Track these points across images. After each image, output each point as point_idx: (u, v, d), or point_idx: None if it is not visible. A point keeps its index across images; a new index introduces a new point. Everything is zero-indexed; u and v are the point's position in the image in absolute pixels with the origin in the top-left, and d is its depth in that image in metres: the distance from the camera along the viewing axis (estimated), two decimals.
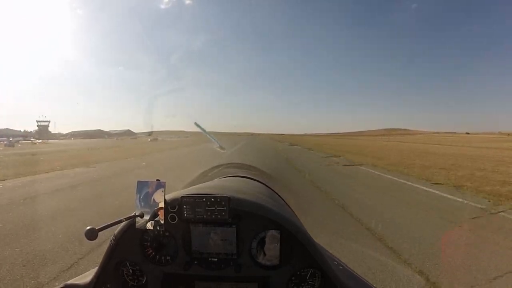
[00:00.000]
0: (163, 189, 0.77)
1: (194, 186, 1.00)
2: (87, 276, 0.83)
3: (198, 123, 1.61)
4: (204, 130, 1.66)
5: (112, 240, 0.80)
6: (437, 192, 6.64)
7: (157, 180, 0.78)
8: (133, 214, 0.77)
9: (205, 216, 0.78)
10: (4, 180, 8.57)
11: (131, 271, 0.83)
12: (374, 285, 0.85)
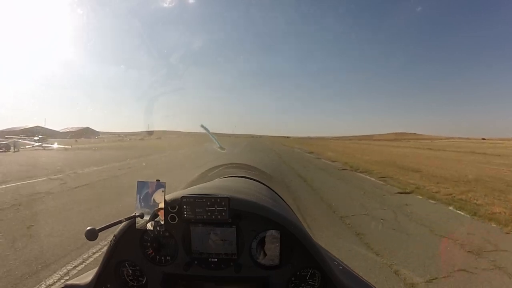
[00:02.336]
0: (163, 189, 0.78)
1: (194, 186, 1.01)
2: (87, 276, 0.84)
3: (202, 125, 1.69)
4: (208, 132, 1.72)
5: (112, 241, 0.80)
6: None
7: (157, 180, 0.79)
8: (133, 214, 0.77)
9: (205, 217, 0.78)
10: None
11: (131, 271, 0.83)
12: (375, 285, 0.85)
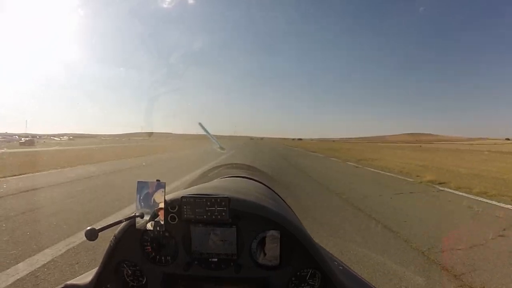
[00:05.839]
0: (163, 190, 0.78)
1: (194, 187, 1.01)
2: (88, 277, 0.84)
3: (200, 123, 1.67)
4: (207, 132, 1.71)
5: (112, 241, 0.80)
6: None
7: (157, 180, 0.79)
8: (133, 214, 0.77)
9: (205, 217, 0.78)
10: None
11: (131, 272, 0.83)
12: (375, 285, 0.84)
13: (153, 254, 0.82)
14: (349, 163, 15.69)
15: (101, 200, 5.62)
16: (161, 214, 0.77)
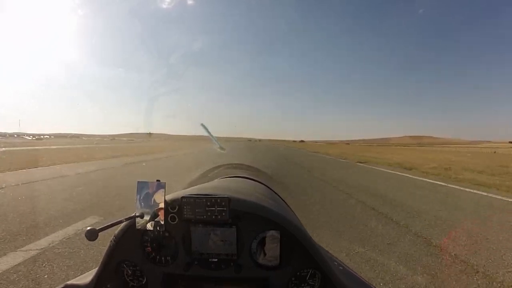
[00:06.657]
0: (163, 190, 0.78)
1: (194, 187, 1.01)
2: (88, 277, 0.84)
3: (202, 124, 1.68)
4: (209, 133, 1.72)
5: (113, 241, 0.80)
6: None
7: (157, 180, 0.79)
8: (134, 214, 0.78)
9: (205, 217, 0.78)
10: None
11: (131, 272, 0.83)
12: (375, 285, 0.85)
13: (153, 254, 0.82)
14: None
15: None
16: (161, 214, 0.78)
